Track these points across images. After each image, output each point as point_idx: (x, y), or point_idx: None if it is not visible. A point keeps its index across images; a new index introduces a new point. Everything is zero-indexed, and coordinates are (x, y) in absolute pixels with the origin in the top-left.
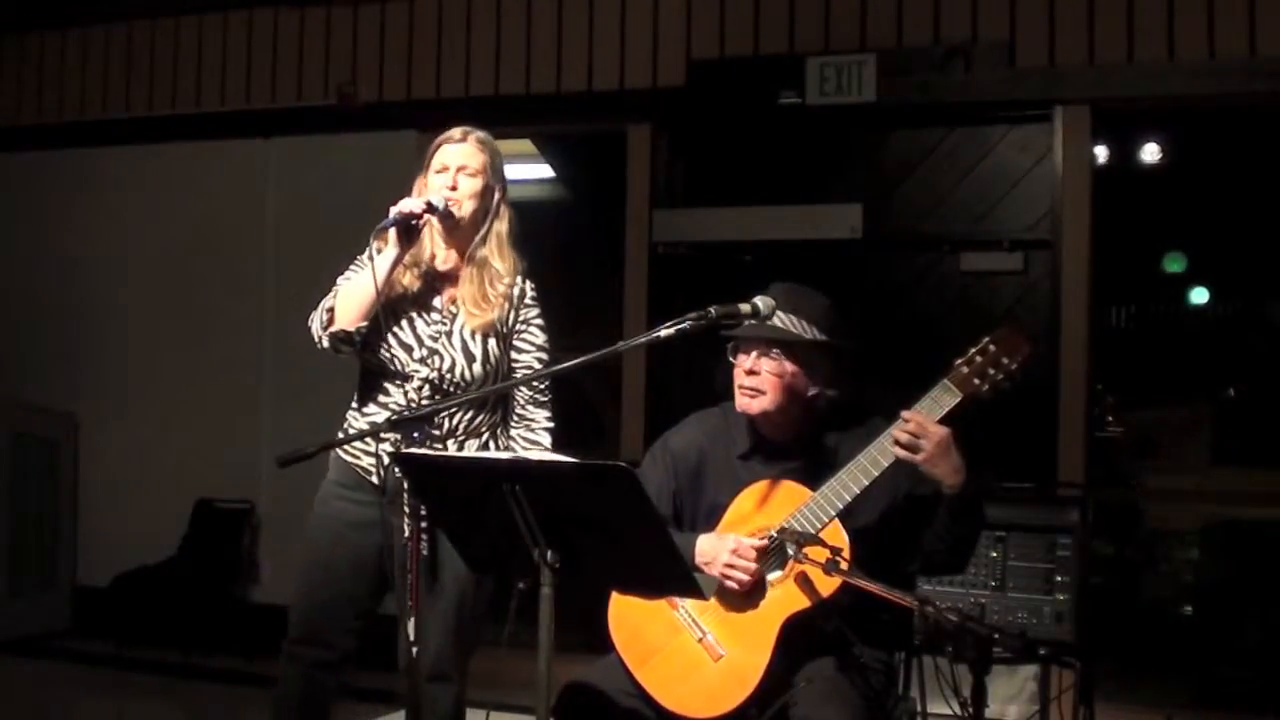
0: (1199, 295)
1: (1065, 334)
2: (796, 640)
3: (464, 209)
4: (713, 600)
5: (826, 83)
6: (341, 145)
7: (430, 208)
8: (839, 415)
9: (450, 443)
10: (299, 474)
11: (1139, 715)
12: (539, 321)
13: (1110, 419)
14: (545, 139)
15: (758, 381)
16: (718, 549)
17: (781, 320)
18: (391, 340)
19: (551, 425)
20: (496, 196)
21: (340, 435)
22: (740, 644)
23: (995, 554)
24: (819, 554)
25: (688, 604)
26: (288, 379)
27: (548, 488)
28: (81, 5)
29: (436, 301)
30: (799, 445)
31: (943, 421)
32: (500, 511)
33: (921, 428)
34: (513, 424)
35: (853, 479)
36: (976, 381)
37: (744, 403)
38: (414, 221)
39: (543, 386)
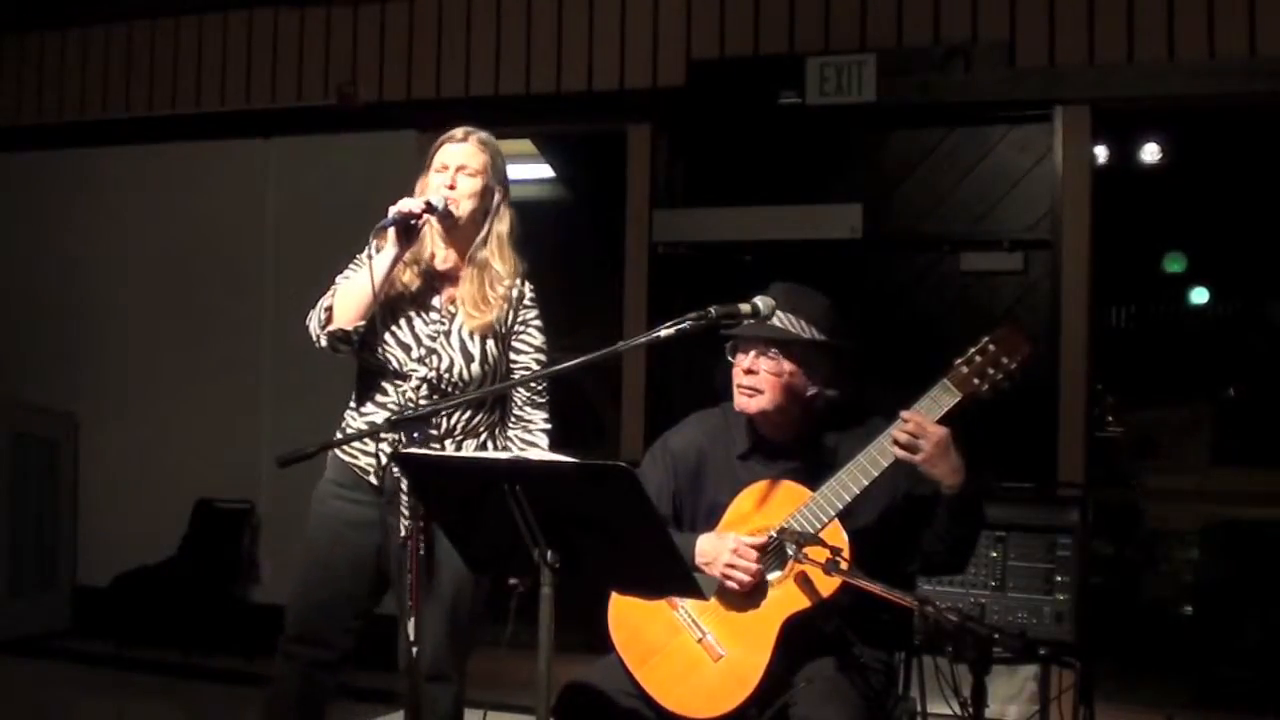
0: (1199, 295)
1: (1065, 334)
2: (796, 640)
3: (462, 208)
4: (712, 600)
5: (826, 83)
6: (341, 145)
7: (429, 207)
8: (839, 415)
9: (448, 442)
10: (299, 474)
11: (1139, 715)
12: (537, 323)
13: (1110, 419)
14: (545, 139)
15: (756, 381)
16: (718, 549)
17: (781, 320)
18: (390, 340)
19: (549, 426)
20: (497, 197)
21: (339, 435)
22: (740, 644)
23: (995, 554)
24: (819, 554)
25: (687, 604)
26: (287, 379)
27: (548, 487)
28: (81, 5)
29: (435, 301)
30: (798, 445)
31: (942, 421)
32: (500, 511)
33: (920, 428)
34: (510, 425)
35: (852, 479)
36: (976, 381)
37: (742, 402)
38: (413, 221)
39: (541, 388)
